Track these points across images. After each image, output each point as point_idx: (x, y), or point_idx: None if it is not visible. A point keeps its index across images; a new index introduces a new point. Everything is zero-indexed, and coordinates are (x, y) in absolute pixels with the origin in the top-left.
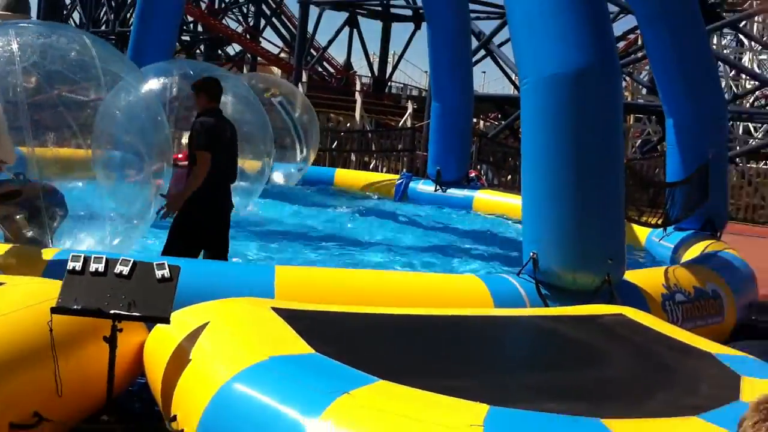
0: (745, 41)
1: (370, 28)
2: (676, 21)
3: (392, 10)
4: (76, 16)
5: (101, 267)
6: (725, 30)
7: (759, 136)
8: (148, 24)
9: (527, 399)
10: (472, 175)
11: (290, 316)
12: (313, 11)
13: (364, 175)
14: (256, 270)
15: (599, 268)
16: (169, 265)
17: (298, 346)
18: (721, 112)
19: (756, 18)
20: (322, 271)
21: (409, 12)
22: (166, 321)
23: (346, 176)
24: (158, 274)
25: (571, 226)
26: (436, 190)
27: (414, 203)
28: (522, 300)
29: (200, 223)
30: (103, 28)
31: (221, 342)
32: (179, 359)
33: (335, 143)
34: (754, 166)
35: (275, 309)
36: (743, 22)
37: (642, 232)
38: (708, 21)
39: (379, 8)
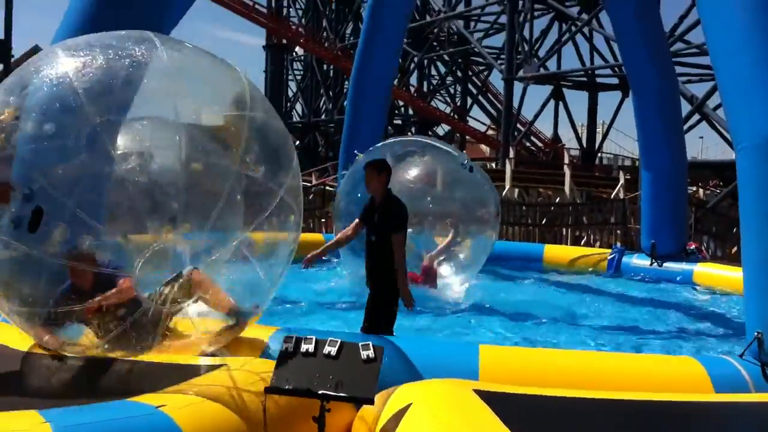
0: None
1: (577, 99)
2: None
3: (598, 80)
4: (298, 107)
5: (311, 348)
6: None
7: None
8: (360, 109)
9: None
10: (692, 247)
11: (493, 399)
12: (518, 87)
13: (574, 250)
14: (460, 349)
15: None
16: (373, 346)
17: (498, 430)
18: None
19: None
20: (528, 351)
21: (615, 80)
22: (371, 402)
23: (556, 252)
24: (363, 354)
25: None
26: (651, 264)
27: (628, 278)
28: (746, 384)
29: (395, 300)
30: (323, 117)
31: (422, 425)
32: None
33: (544, 219)
34: None
35: (478, 391)
36: None
37: None
38: None
39: (584, 78)
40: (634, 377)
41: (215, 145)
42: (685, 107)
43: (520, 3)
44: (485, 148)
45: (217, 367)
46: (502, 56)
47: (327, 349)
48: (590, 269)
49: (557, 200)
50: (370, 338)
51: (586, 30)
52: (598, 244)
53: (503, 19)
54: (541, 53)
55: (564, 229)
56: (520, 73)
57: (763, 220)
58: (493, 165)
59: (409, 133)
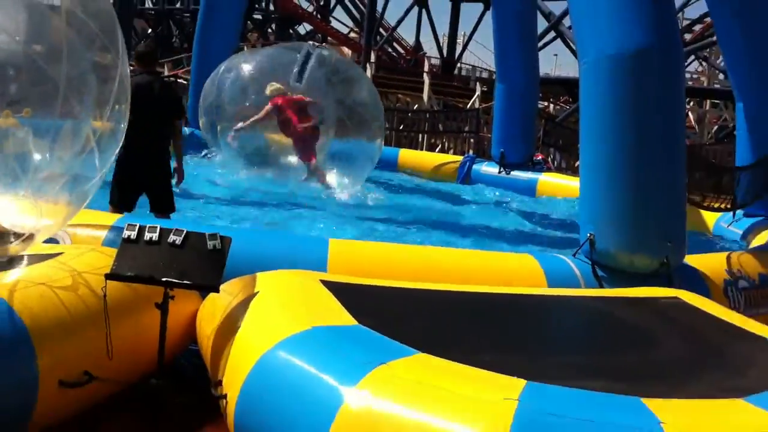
0: None
1: (440, 8)
2: (746, 2)
3: None
4: None
5: (155, 236)
6: None
7: None
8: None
9: (568, 377)
10: (539, 158)
11: (337, 289)
12: None
13: (429, 156)
14: (310, 242)
15: (657, 251)
16: (220, 236)
17: (341, 317)
18: None
19: None
20: (375, 246)
21: None
22: (215, 290)
23: (409, 156)
24: (210, 244)
25: (629, 208)
26: (499, 172)
27: (477, 185)
28: (577, 281)
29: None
30: (178, 5)
31: (267, 311)
32: (227, 327)
33: (402, 124)
34: None
35: (324, 282)
36: None
37: (711, 218)
38: None
39: None
40: (474, 272)
41: (59, 27)
42: (543, 24)
43: None
44: (348, 51)
45: (55, 255)
46: None
47: (172, 238)
48: (442, 175)
49: (415, 107)
50: (220, 230)
51: None
52: (452, 151)
53: None
54: None
55: (420, 136)
56: None
57: (598, 129)
58: None
59: (269, 30)
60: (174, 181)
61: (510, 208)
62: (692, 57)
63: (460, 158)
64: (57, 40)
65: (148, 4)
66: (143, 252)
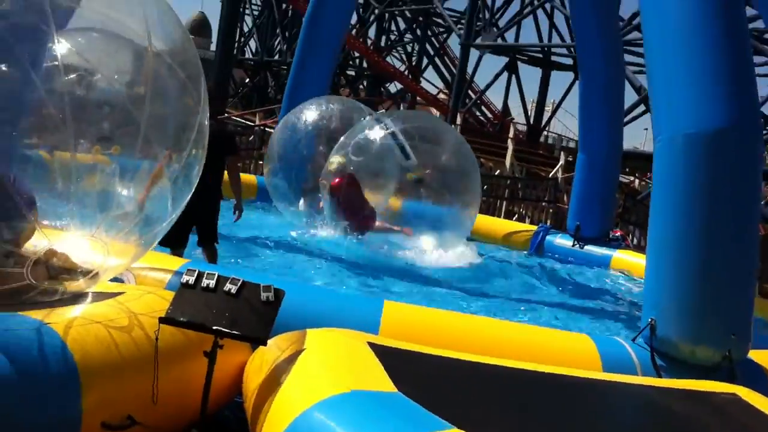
0: None
1: (530, 74)
2: None
3: (553, 58)
4: (252, 44)
5: (212, 283)
6: None
7: None
8: (309, 55)
9: None
10: (617, 234)
11: (383, 353)
12: (475, 54)
13: (501, 223)
14: (364, 302)
15: (721, 343)
16: (275, 289)
17: (382, 383)
18: None
19: None
20: (429, 312)
21: (570, 61)
22: (264, 343)
23: (482, 222)
24: (263, 296)
25: (694, 295)
26: (573, 246)
27: (548, 257)
28: (634, 367)
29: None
30: (276, 57)
31: (310, 370)
32: (271, 382)
33: (484, 188)
34: None
35: (371, 344)
36: None
37: None
38: None
39: (540, 55)
40: (527, 348)
41: (154, 70)
42: (634, 97)
43: None
44: (435, 112)
45: (117, 295)
46: (463, 21)
47: (228, 287)
48: (513, 244)
49: (497, 172)
50: (275, 282)
51: (548, 6)
52: (529, 220)
53: None
54: (501, 24)
55: (499, 202)
56: (478, 41)
57: (668, 209)
58: None
59: (360, 87)
60: (233, 218)
61: (578, 283)
62: None
63: (533, 228)
64: (147, 83)
65: (248, 55)
66: (199, 298)
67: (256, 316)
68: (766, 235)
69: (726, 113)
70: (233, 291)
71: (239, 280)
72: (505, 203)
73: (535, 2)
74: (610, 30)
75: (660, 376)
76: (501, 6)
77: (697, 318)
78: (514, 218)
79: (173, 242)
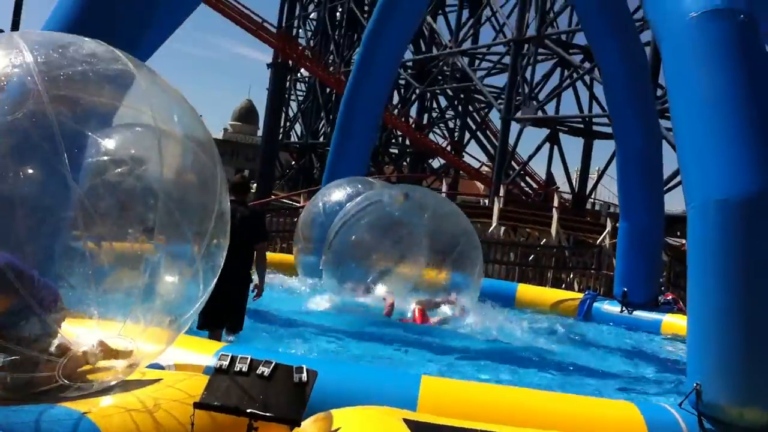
0: None
1: (572, 143)
2: None
3: (594, 128)
4: (297, 127)
5: (245, 367)
6: None
7: None
8: (347, 134)
9: None
10: (669, 297)
11: (419, 429)
12: (516, 127)
13: (548, 291)
14: (401, 378)
15: None
16: (307, 370)
17: None
18: None
19: None
20: (469, 385)
21: (610, 129)
22: (297, 424)
23: (528, 292)
24: (296, 377)
25: (739, 357)
26: (621, 311)
27: (597, 324)
28: None
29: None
30: (320, 139)
31: None
32: None
33: (529, 258)
34: None
35: (407, 420)
36: None
37: None
38: None
39: (581, 125)
40: (572, 418)
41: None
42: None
43: (525, 46)
44: (480, 185)
45: (155, 382)
46: (503, 96)
47: (261, 370)
48: (561, 312)
49: (543, 241)
50: (310, 362)
51: (587, 78)
52: (576, 287)
53: (507, 59)
54: (541, 97)
55: (548, 271)
56: (518, 114)
57: (706, 275)
58: (486, 202)
59: (404, 164)
60: (252, 296)
61: (626, 349)
62: None
63: (580, 295)
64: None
65: (294, 139)
66: (232, 382)
67: (289, 397)
68: None
69: (756, 178)
70: (266, 374)
71: (272, 362)
72: (551, 272)
73: (575, 75)
74: (644, 99)
75: None
76: (540, 80)
77: (743, 379)
78: (562, 286)
79: (209, 326)
